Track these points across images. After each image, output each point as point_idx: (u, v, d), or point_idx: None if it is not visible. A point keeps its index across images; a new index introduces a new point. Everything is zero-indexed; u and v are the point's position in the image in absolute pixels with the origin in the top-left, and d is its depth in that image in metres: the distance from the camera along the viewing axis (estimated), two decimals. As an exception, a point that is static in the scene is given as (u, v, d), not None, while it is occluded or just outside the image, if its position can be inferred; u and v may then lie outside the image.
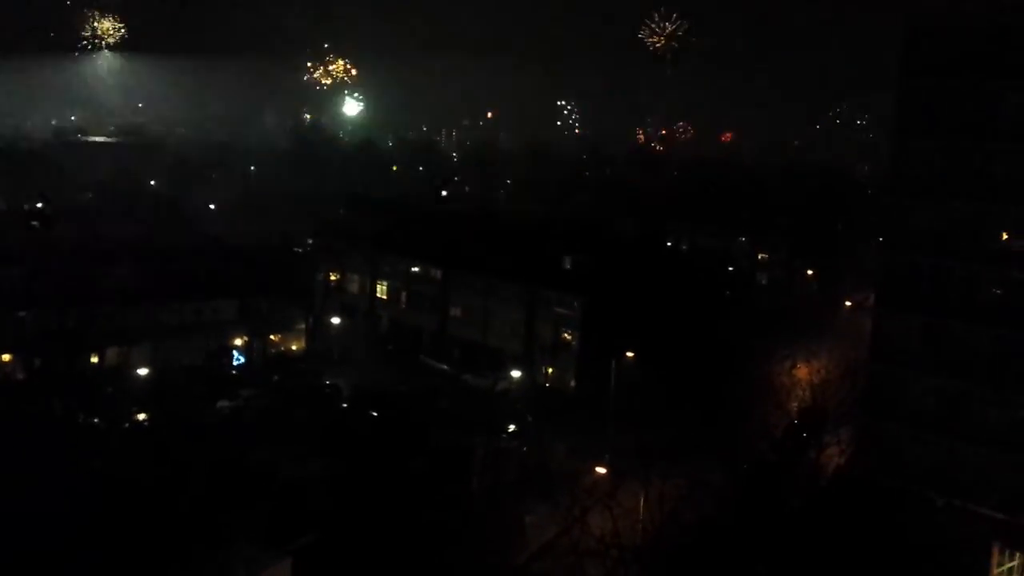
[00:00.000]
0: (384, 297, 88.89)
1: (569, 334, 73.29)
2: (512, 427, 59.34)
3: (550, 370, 73.80)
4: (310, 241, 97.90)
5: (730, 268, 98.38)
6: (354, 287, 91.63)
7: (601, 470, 49.20)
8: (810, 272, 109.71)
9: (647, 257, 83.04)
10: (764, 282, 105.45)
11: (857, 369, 54.41)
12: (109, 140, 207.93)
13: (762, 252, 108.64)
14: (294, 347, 77.99)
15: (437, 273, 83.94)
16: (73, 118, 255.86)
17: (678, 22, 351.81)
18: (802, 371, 63.63)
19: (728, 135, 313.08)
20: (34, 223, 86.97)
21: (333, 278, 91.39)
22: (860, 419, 52.05)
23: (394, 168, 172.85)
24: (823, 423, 49.95)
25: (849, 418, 51.02)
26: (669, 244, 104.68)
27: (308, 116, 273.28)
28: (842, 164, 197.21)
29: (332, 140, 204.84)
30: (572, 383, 71.72)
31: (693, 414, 57.25)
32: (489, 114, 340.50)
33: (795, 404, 56.36)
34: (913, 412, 51.68)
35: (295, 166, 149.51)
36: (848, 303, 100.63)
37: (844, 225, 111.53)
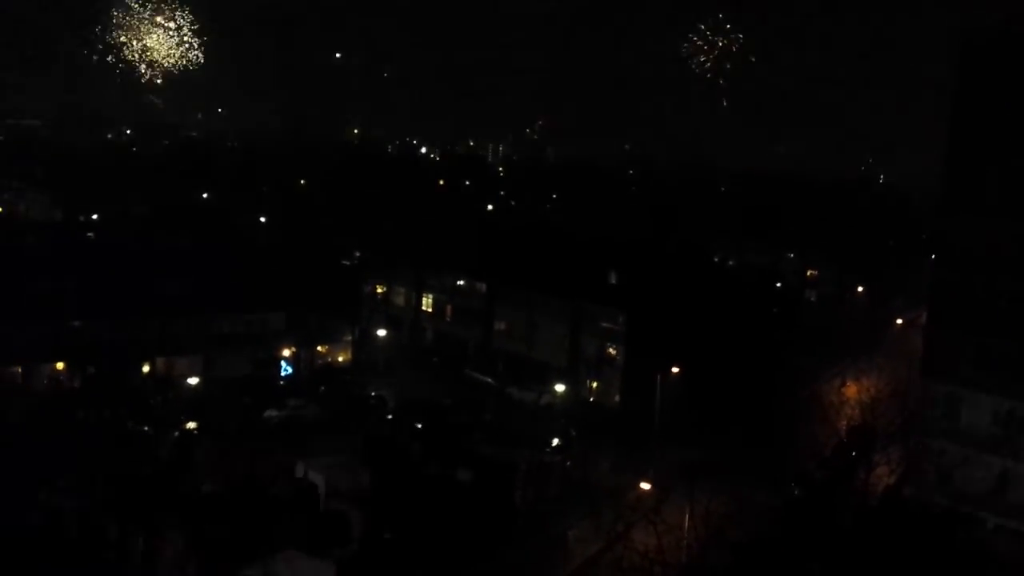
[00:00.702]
0: (430, 310, 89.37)
1: (614, 349, 72.96)
2: (556, 441, 59.18)
3: (595, 384, 73.52)
4: (358, 254, 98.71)
5: (778, 284, 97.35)
6: (400, 300, 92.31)
7: (646, 486, 48.86)
8: (860, 289, 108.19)
9: (694, 272, 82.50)
10: (813, 299, 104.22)
11: (908, 388, 53.61)
12: (159, 152, 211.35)
13: (811, 269, 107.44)
14: (341, 358, 78.63)
15: (482, 287, 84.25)
16: (128, 131, 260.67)
17: (731, 35, 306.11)
18: (851, 389, 62.93)
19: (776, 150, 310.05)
20: (90, 233, 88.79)
21: (380, 290, 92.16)
22: (911, 438, 51.20)
23: (440, 182, 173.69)
24: (872, 442, 49.27)
25: (899, 437, 50.20)
26: (716, 259, 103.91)
27: (356, 131, 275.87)
28: (886, 178, 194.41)
29: (380, 154, 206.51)
30: (617, 398, 71.37)
31: (740, 431, 56.87)
32: (536, 124, 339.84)
33: (844, 422, 55.67)
34: (965, 432, 50.78)
35: (344, 178, 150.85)
36: (899, 321, 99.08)
37: (895, 241, 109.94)
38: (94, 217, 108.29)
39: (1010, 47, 51.74)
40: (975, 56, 53.12)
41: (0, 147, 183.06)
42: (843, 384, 71.26)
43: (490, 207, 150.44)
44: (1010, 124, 51.23)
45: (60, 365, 62.88)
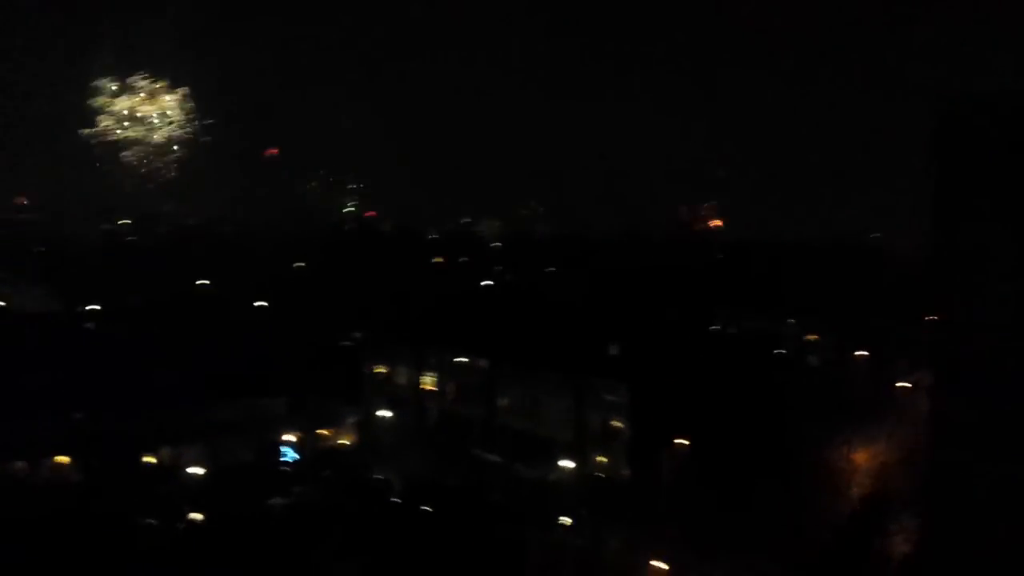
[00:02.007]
0: (432, 388, 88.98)
1: (619, 421, 72.53)
2: (565, 519, 58.47)
3: (601, 459, 72.88)
4: (357, 334, 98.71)
5: (780, 351, 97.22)
6: (402, 379, 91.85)
7: (658, 564, 48.08)
8: (862, 353, 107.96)
9: (694, 341, 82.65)
10: (815, 364, 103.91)
11: (917, 454, 53.30)
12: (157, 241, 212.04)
13: (811, 334, 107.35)
14: (344, 442, 78.03)
15: (483, 363, 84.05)
16: (126, 220, 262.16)
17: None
18: (860, 456, 62.45)
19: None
20: (89, 324, 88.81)
21: (381, 371, 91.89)
22: (924, 506, 50.75)
23: (438, 259, 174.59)
24: (886, 510, 48.79)
25: (913, 504, 49.75)
26: (716, 327, 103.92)
27: (352, 208, 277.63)
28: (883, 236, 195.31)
29: (376, 231, 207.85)
30: (624, 472, 70.68)
31: (750, 502, 56.27)
32: (529, 204, 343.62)
33: (855, 491, 55.16)
34: (979, 500, 50.26)
35: (340, 258, 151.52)
36: (904, 384, 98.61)
37: (895, 304, 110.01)
38: (93, 308, 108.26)
39: (992, 109, 52.70)
40: (955, 119, 54.03)
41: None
42: (851, 451, 70.76)
43: (488, 282, 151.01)
44: (1002, 184, 51.88)
45: (64, 459, 62.31)
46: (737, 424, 66.78)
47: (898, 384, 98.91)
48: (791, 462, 61.28)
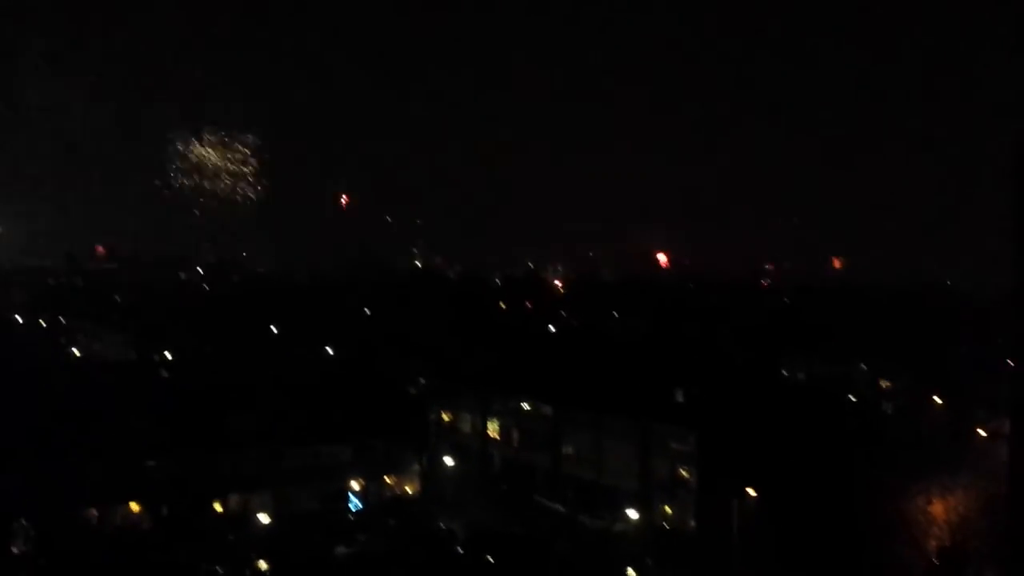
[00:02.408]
0: (496, 436, 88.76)
1: (686, 470, 71.30)
2: (631, 571, 57.50)
3: (668, 509, 71.66)
4: (423, 380, 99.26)
5: (852, 397, 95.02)
6: (466, 426, 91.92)
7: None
8: (938, 399, 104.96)
9: (763, 387, 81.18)
10: (889, 411, 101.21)
11: (997, 505, 51.31)
12: (229, 289, 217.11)
13: (884, 379, 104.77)
14: (409, 489, 78.06)
15: (548, 410, 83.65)
16: (200, 270, 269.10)
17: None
18: (937, 507, 60.31)
19: (836, 261, 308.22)
20: (163, 372, 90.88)
21: (445, 417, 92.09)
22: (1004, 560, 48.73)
23: (502, 304, 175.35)
24: (966, 564, 46.96)
25: (993, 558, 47.80)
26: (785, 373, 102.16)
27: (417, 261, 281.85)
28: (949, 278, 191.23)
29: (441, 280, 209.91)
30: (692, 523, 69.36)
31: (822, 556, 54.69)
32: (590, 253, 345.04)
33: (933, 543, 53.23)
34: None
35: (407, 305, 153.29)
36: (982, 432, 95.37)
37: (970, 347, 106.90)
38: (166, 356, 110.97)
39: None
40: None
41: (78, 291, 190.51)
42: (928, 502, 68.38)
43: (552, 327, 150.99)
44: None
45: (135, 506, 63.45)
46: (808, 473, 65.13)
47: (976, 431, 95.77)
48: (865, 514, 59.42)
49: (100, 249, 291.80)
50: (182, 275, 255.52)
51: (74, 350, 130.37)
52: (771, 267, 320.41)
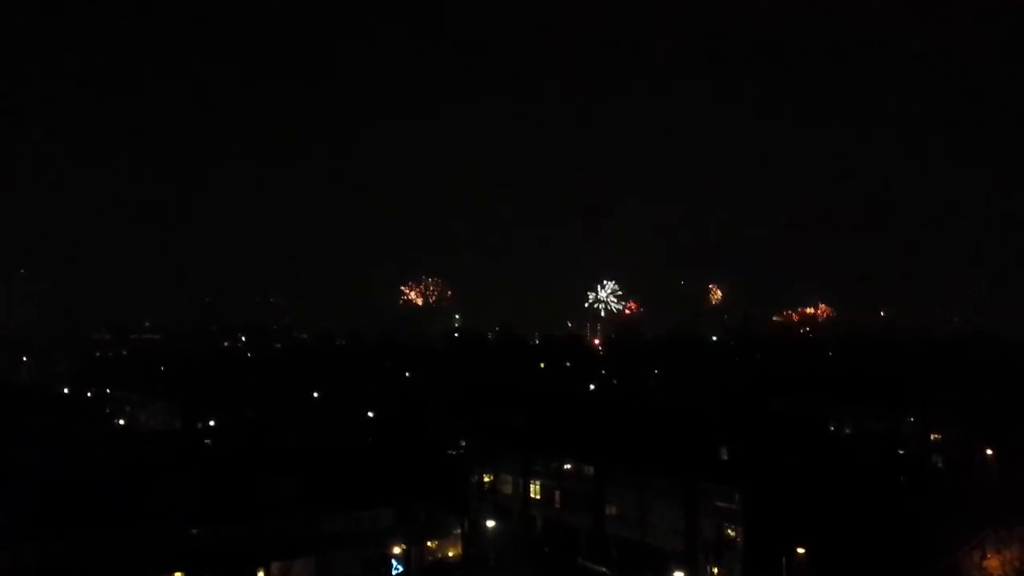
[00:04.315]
0: (538, 497, 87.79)
1: (732, 530, 69.87)
2: (680, 634, 56.24)
3: (715, 570, 70.16)
4: (463, 443, 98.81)
5: (901, 451, 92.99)
6: (507, 487, 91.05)
7: None
8: (989, 451, 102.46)
9: (809, 443, 79.60)
10: (940, 464, 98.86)
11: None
12: (271, 355, 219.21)
13: (934, 432, 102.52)
14: (451, 553, 77.31)
15: (590, 469, 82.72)
16: (243, 337, 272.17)
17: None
18: (993, 562, 58.52)
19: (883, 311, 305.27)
20: (207, 440, 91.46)
21: (486, 479, 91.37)
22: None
23: (542, 364, 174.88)
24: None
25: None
26: (831, 427, 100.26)
27: (456, 324, 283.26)
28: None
29: (481, 341, 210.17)
30: (740, 583, 67.84)
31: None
32: (630, 307, 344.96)
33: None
34: None
35: (447, 367, 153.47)
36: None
37: (1020, 396, 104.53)
38: (210, 423, 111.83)
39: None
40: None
41: (125, 361, 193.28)
42: (984, 557, 66.38)
43: (592, 386, 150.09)
44: None
45: (180, 575, 63.46)
46: (859, 531, 63.60)
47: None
48: (918, 570, 57.82)
49: (145, 322, 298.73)
50: (225, 343, 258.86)
51: (120, 420, 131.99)
52: (816, 312, 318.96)
